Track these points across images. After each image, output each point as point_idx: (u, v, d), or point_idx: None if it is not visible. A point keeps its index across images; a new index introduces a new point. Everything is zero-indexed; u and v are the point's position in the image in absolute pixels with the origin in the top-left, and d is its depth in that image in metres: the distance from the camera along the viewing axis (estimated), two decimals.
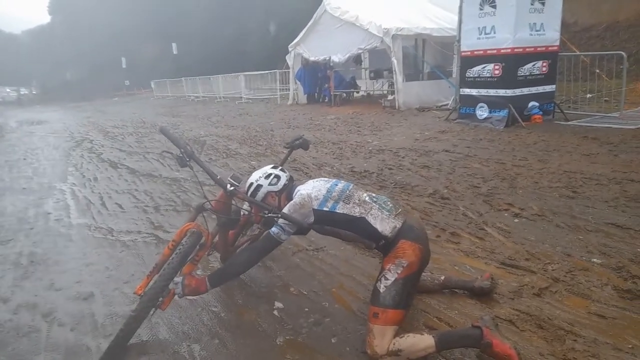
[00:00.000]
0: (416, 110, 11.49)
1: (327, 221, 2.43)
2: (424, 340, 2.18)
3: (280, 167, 2.66)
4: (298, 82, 16.08)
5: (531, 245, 3.42)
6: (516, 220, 3.93)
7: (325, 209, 2.40)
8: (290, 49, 15.73)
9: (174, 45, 32.82)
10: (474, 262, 3.25)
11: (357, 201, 2.41)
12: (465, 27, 8.99)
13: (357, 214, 2.37)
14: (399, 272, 2.25)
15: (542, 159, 5.78)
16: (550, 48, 8.47)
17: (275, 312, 2.82)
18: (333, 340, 2.50)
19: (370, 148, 7.52)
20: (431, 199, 4.66)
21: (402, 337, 2.21)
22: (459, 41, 9.64)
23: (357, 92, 16.02)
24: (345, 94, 15.17)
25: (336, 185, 2.50)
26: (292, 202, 2.42)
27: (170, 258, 2.48)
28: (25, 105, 32.45)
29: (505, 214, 4.08)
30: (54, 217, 5.14)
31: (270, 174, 2.58)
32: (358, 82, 16.30)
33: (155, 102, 25.81)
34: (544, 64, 8.42)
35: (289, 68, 16.45)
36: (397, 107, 12.03)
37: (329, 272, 3.26)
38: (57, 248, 4.19)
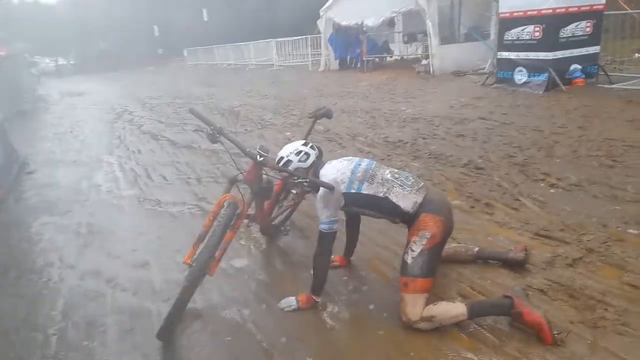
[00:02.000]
0: (451, 75, 11.25)
1: (354, 202, 2.55)
2: (456, 308, 2.34)
3: (310, 144, 2.76)
4: (330, 48, 15.88)
5: (566, 216, 3.46)
6: (552, 190, 3.95)
7: (352, 190, 2.51)
8: (321, 14, 15.49)
9: (204, 11, 32.76)
10: (508, 233, 3.33)
11: (380, 180, 2.50)
12: None
13: (381, 194, 2.47)
14: (424, 243, 2.39)
15: (582, 126, 5.65)
16: (595, 7, 8.06)
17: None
18: (370, 307, 2.67)
19: (404, 116, 7.51)
20: (465, 169, 4.69)
21: (435, 304, 2.38)
22: (497, 1, 9.28)
23: (390, 57, 15.72)
24: (378, 59, 14.93)
25: (359, 164, 2.59)
26: (320, 192, 2.51)
27: (212, 229, 2.67)
28: (64, 76, 33.39)
29: (541, 184, 4.10)
30: (105, 188, 5.49)
31: (300, 151, 2.69)
32: (391, 46, 15.96)
33: (188, 70, 26.12)
34: (588, 24, 8.04)
35: (320, 33, 16.24)
36: (431, 72, 11.80)
37: (365, 243, 3.40)
38: (111, 218, 4.52)
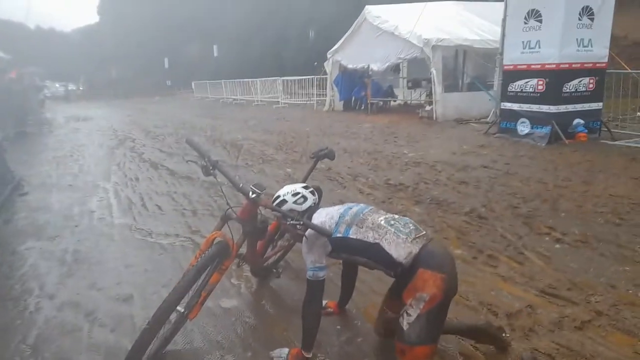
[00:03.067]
0: (454, 122, 11.32)
1: (342, 248, 2.36)
2: None
3: (310, 189, 2.63)
4: (335, 88, 16.12)
5: (573, 274, 3.31)
6: (557, 245, 3.81)
7: (338, 234, 2.33)
8: (329, 56, 15.81)
9: (215, 47, 33.62)
10: (512, 289, 3.17)
11: (370, 225, 2.30)
12: (509, 41, 8.80)
13: (370, 240, 2.26)
14: (421, 307, 2.09)
15: (587, 181, 5.58)
16: (598, 65, 8.18)
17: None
18: None
19: (406, 160, 7.46)
20: (468, 218, 4.57)
21: None
22: (501, 54, 9.46)
23: (394, 101, 15.92)
24: (382, 103, 15.11)
25: (350, 209, 2.44)
26: (307, 234, 2.39)
27: (191, 267, 2.48)
28: (72, 101, 33.87)
29: (546, 238, 3.96)
30: (97, 215, 5.34)
31: (298, 193, 2.56)
32: (395, 90, 16.20)
33: (195, 102, 26.45)
34: (591, 81, 8.14)
35: (326, 74, 16.52)
36: (434, 118, 11.88)
37: (361, 290, 3.23)
38: (100, 247, 4.35)
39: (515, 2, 8.56)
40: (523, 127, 8.43)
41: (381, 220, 2.33)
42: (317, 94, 18.36)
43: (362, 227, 2.31)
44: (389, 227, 2.28)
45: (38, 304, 3.28)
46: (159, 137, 11.98)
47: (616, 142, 7.71)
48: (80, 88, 45.48)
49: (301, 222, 2.34)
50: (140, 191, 6.33)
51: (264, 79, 22.20)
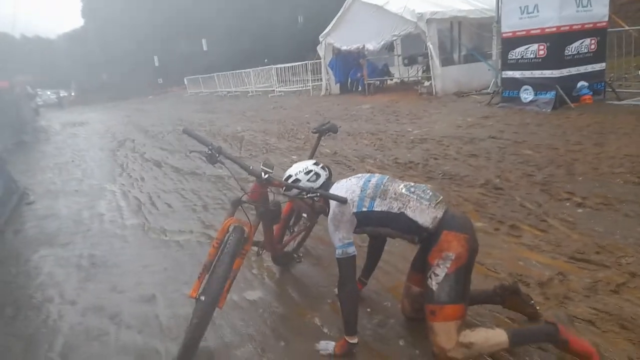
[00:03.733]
0: (454, 96, 11.18)
1: (368, 222, 2.32)
2: (497, 336, 2.08)
3: (321, 165, 2.58)
4: (330, 71, 15.92)
5: (600, 237, 3.25)
6: (580, 210, 3.75)
7: (363, 209, 2.30)
8: (321, 39, 15.58)
9: (203, 41, 33.22)
10: (540, 257, 3.11)
11: (393, 195, 2.28)
12: (506, 7, 8.63)
13: (395, 210, 2.25)
14: (448, 266, 2.12)
15: (598, 143, 5.49)
16: (598, 24, 8.03)
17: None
18: (401, 343, 2.44)
19: (411, 137, 7.36)
20: (484, 190, 4.50)
21: (472, 329, 2.13)
22: (498, 22, 9.30)
23: (391, 80, 15.75)
24: (378, 82, 14.94)
25: (369, 180, 2.39)
26: (330, 214, 2.34)
27: (217, 257, 2.46)
28: (65, 107, 33.59)
29: (567, 204, 3.90)
30: (108, 218, 5.28)
31: (310, 170, 2.52)
32: (391, 69, 16.02)
33: (189, 98, 26.22)
34: (593, 42, 8.00)
35: (319, 59, 16.31)
36: (434, 93, 11.74)
37: (387, 270, 3.19)
38: (115, 250, 4.30)
39: None
40: (526, 95, 8.31)
41: (402, 188, 2.32)
42: (312, 80, 18.16)
43: (386, 199, 2.28)
44: (411, 195, 2.28)
45: (60, 311, 3.24)
46: (157, 135, 11.87)
47: (622, 102, 7.60)
48: (72, 94, 45.12)
49: (318, 193, 2.34)
50: (147, 190, 6.26)
51: (257, 68, 21.95)
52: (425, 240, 2.25)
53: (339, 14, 14.39)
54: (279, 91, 19.69)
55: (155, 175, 7.19)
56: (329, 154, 7.02)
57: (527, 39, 8.16)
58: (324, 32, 15.36)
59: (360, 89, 14.92)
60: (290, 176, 2.53)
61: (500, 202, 4.14)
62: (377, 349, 2.42)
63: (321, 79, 16.79)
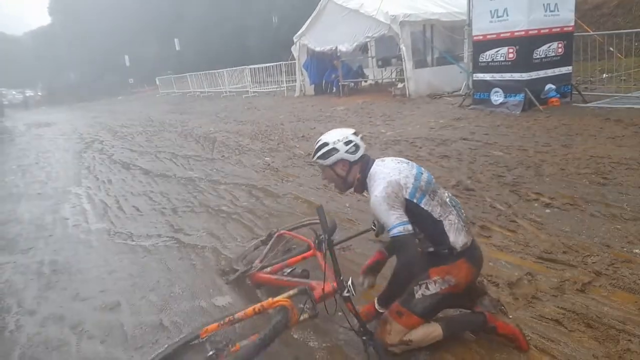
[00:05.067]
0: (427, 98, 11.30)
1: (409, 213, 2.11)
2: (433, 330, 2.20)
3: (360, 135, 2.34)
4: (305, 72, 15.87)
5: (567, 237, 3.30)
6: (547, 210, 3.81)
7: (414, 200, 2.12)
8: (295, 40, 15.52)
9: (176, 41, 32.68)
10: (509, 257, 3.14)
11: (439, 200, 2.18)
12: (477, 11, 8.76)
13: (436, 215, 2.14)
14: (444, 287, 2.15)
15: (566, 144, 5.62)
16: (565, 29, 8.24)
17: (307, 316, 2.67)
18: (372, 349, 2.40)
19: (384, 139, 7.38)
20: (455, 191, 4.53)
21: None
22: (469, 25, 9.42)
23: (365, 82, 15.82)
24: (353, 84, 14.98)
25: (421, 173, 2.22)
26: (382, 190, 2.09)
27: (260, 333, 2.18)
28: (31, 107, 32.53)
29: (535, 204, 3.96)
30: (72, 222, 5.09)
31: (350, 141, 2.25)
32: (365, 70, 16.09)
33: (160, 99, 25.73)
34: (560, 45, 8.20)
35: (294, 59, 16.24)
36: (407, 95, 11.84)
37: (358, 272, 3.16)
38: (78, 255, 4.14)
39: None
40: (497, 97, 8.46)
41: (446, 197, 2.24)
42: (286, 80, 18.08)
43: (433, 200, 2.16)
44: (452, 208, 2.21)
45: (18, 321, 3.08)
46: (127, 136, 11.58)
47: (588, 104, 7.81)
48: (39, 94, 43.76)
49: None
50: (114, 193, 6.07)
51: (230, 69, 21.71)
52: (440, 255, 2.18)
53: (313, 15, 14.36)
54: (253, 92, 19.53)
55: (123, 177, 6.98)
56: (302, 155, 6.97)
57: (497, 42, 8.30)
58: (298, 33, 15.31)
59: (334, 90, 14.92)
60: (325, 144, 2.27)
61: (472, 203, 4.17)
62: (348, 351, 2.38)
63: (296, 80, 16.72)
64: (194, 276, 3.44)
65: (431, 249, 2.22)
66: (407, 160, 2.30)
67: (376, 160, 2.29)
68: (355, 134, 2.32)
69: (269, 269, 3.01)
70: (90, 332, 2.85)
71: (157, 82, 29.84)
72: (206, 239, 4.14)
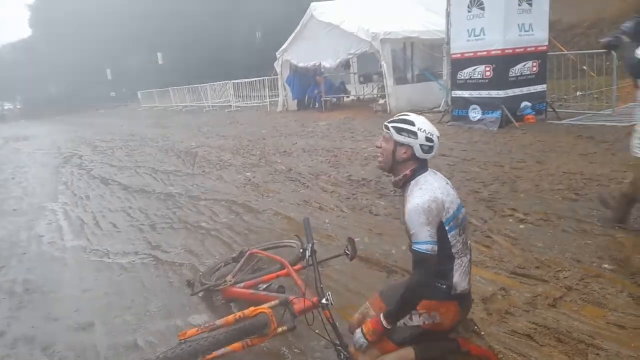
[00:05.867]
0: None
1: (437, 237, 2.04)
2: (407, 355, 2.13)
3: (437, 135, 2.12)
4: (287, 88, 15.99)
5: (540, 252, 3.37)
6: (522, 226, 3.89)
7: (446, 227, 2.02)
8: (278, 56, 15.65)
9: (159, 55, 32.60)
10: (484, 273, 3.19)
11: (464, 239, 2.10)
12: (455, 30, 8.99)
13: (454, 251, 2.05)
14: (427, 322, 2.10)
15: (540, 160, 5.76)
16: (539, 48, 8.50)
17: (285, 328, 2.49)
18: None
19: (365, 154, 7.46)
20: None
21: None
22: (448, 43, 9.65)
23: (347, 97, 16.00)
24: (335, 99, 15.13)
25: (462, 207, 2.16)
26: (426, 202, 1.97)
27: (227, 328, 2.29)
28: (9, 121, 32.06)
29: (510, 220, 4.04)
30: (47, 239, 5.01)
31: (431, 139, 2.06)
32: (347, 86, 16.28)
33: (142, 113, 25.55)
34: (534, 64, 8.44)
35: (277, 75, 16.36)
36: (388, 111, 11.99)
37: (336, 289, 3.16)
38: (53, 274, 4.07)
39: None
40: (475, 114, 8.64)
41: (469, 240, 2.18)
42: (269, 95, 18.16)
43: (461, 236, 2.08)
44: (468, 252, 2.15)
45: None
46: (107, 151, 11.45)
47: (562, 122, 8.04)
48: (18, 106, 43.08)
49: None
50: (92, 209, 5.99)
51: (213, 83, 21.73)
52: (436, 289, 2.09)
53: (296, 31, 14.53)
54: (236, 106, 19.55)
55: (101, 193, 6.90)
56: (283, 170, 7.00)
57: (475, 60, 8.51)
58: (281, 49, 15.45)
59: (317, 105, 15.04)
60: (412, 123, 2.07)
61: None
62: None
63: (278, 95, 16.81)
64: (170, 294, 3.41)
65: (432, 282, 2.11)
66: (451, 187, 2.20)
67: (430, 169, 2.16)
68: (438, 137, 2.13)
69: (242, 284, 3.01)
70: (62, 353, 2.80)
71: (139, 96, 29.66)
72: (184, 256, 4.11)
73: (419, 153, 2.06)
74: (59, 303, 3.48)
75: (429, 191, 2.00)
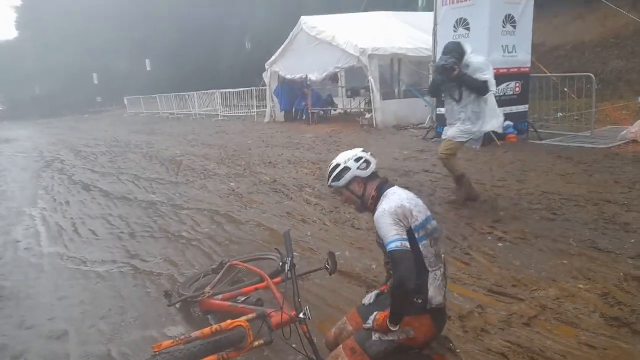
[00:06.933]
0: (393, 129, 11.59)
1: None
2: None
3: (370, 152, 2.34)
4: (275, 99, 16.05)
5: (517, 271, 3.43)
6: (500, 244, 3.95)
7: (416, 235, 2.07)
8: (267, 67, 15.73)
9: (147, 61, 32.45)
10: (462, 290, 3.23)
11: (436, 250, 2.13)
12: (440, 48, 9.13)
13: (426, 264, 2.08)
14: (402, 337, 2.10)
15: (520, 179, 5.87)
16: (522, 69, 8.70)
17: (262, 342, 2.50)
18: None
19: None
20: None
21: None
22: (434, 61, 9.80)
23: (334, 110, 16.10)
24: (322, 112, 15.22)
25: (432, 219, 2.19)
26: (392, 207, 2.06)
27: (205, 340, 2.26)
28: None
29: (489, 237, 4.10)
30: (23, 245, 4.92)
31: (360, 157, 2.25)
32: (335, 99, 16.39)
33: (128, 119, 25.33)
34: (517, 85, 8.63)
35: (265, 86, 16.43)
36: (374, 125, 12.11)
37: (315, 303, 3.17)
38: (28, 280, 3.99)
39: (444, 11, 8.93)
40: None
41: (442, 252, 2.21)
42: (257, 105, 18.19)
43: (432, 247, 2.12)
44: (442, 265, 2.16)
45: None
46: (90, 156, 11.31)
47: (543, 142, 8.21)
48: (1, 108, 42.35)
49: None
50: (71, 216, 5.90)
51: (201, 91, 21.69)
52: (411, 304, 2.10)
53: (285, 43, 14.64)
54: (223, 115, 19.52)
55: (82, 199, 6.81)
56: (268, 181, 6.99)
57: None
58: (270, 60, 15.54)
59: (304, 117, 15.12)
60: (337, 165, 2.28)
61: None
62: None
63: (266, 106, 16.86)
64: (147, 304, 3.37)
65: (407, 297, 2.12)
66: (419, 199, 2.25)
67: (397, 186, 2.28)
68: (364, 151, 2.32)
69: (220, 296, 2.99)
70: None
71: (125, 102, 29.43)
72: (163, 265, 4.07)
73: (364, 173, 2.23)
74: (32, 310, 3.41)
75: (396, 199, 2.11)
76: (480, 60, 5.01)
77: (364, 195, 2.26)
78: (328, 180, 2.33)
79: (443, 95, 5.21)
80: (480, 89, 4.78)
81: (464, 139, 5.01)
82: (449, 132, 5.08)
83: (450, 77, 4.78)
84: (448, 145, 5.06)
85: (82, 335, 3.01)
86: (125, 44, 36.63)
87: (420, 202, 2.20)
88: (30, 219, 5.94)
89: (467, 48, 4.90)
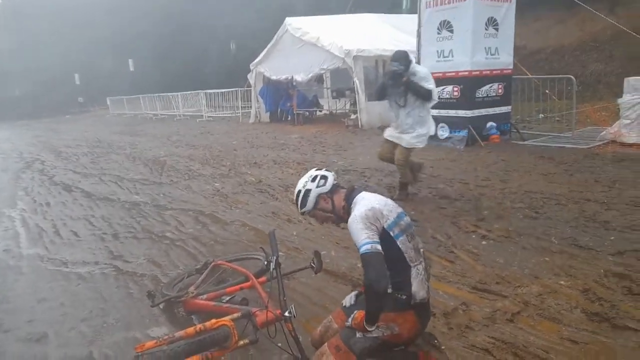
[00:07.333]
0: (379, 130, 11.60)
1: (384, 245, 2.09)
2: None
3: (325, 168, 2.43)
4: (260, 100, 16.00)
5: (500, 268, 3.47)
6: (484, 242, 3.99)
7: (391, 233, 2.11)
8: (252, 68, 15.67)
9: (130, 61, 32.06)
10: (446, 288, 3.25)
11: (415, 245, 2.17)
12: (424, 50, 9.23)
13: (408, 260, 2.13)
14: (386, 333, 2.11)
15: (503, 179, 5.94)
16: (505, 71, 8.82)
17: (247, 341, 2.47)
18: None
19: (335, 168, 7.50)
20: None
21: None
22: (418, 63, 9.88)
23: (320, 111, 16.11)
24: (308, 113, 15.22)
25: (405, 215, 2.24)
26: (362, 211, 2.11)
27: (190, 340, 2.23)
28: None
29: (473, 236, 4.14)
30: (2, 247, 4.81)
31: (315, 176, 2.34)
32: (320, 100, 16.40)
33: (111, 119, 24.98)
34: (500, 87, 8.75)
35: (250, 86, 16.36)
36: (360, 126, 12.15)
37: (300, 302, 3.16)
38: (6, 283, 3.90)
39: (428, 14, 9.00)
40: (443, 132, 8.85)
41: (421, 247, 2.24)
42: (242, 106, 18.10)
43: (410, 243, 2.15)
44: (423, 259, 2.19)
45: None
46: (71, 157, 11.12)
47: (525, 142, 8.34)
48: None
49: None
50: (52, 217, 5.79)
51: (185, 92, 21.49)
52: (395, 300, 2.14)
53: (270, 44, 14.61)
54: (208, 116, 19.38)
55: (63, 200, 6.68)
56: (253, 182, 6.96)
57: (443, 80, 8.73)
58: (255, 61, 15.48)
59: (289, 118, 15.10)
60: (300, 191, 2.35)
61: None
62: None
63: (251, 107, 16.79)
64: (130, 306, 3.32)
65: (389, 291, 2.14)
66: (390, 200, 2.30)
67: (360, 191, 2.32)
68: (318, 169, 2.40)
69: (205, 296, 2.96)
70: None
71: (108, 103, 29.01)
72: (146, 266, 4.02)
73: (325, 189, 2.31)
74: (11, 313, 3.33)
75: (366, 204, 2.16)
76: (425, 70, 5.35)
77: (334, 208, 2.33)
78: (299, 209, 2.39)
79: (387, 99, 5.39)
80: (426, 96, 5.07)
81: (422, 145, 5.31)
82: (408, 139, 5.22)
83: (398, 83, 5.08)
84: (407, 152, 5.28)
85: (62, 338, 2.95)
86: (108, 44, 36.11)
87: (389, 201, 2.26)
88: (9, 220, 5.81)
89: (412, 57, 5.29)
